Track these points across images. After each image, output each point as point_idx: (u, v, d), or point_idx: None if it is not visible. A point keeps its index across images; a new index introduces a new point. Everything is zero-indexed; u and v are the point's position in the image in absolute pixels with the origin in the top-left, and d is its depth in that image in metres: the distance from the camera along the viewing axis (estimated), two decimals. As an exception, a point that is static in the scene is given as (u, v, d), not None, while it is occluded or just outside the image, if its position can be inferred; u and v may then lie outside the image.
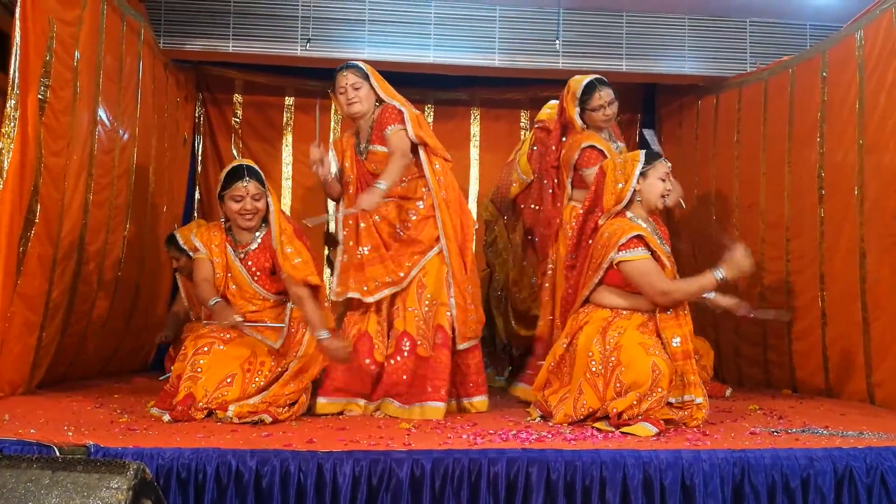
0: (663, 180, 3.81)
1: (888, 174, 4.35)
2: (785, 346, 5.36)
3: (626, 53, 6.13)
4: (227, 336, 3.87)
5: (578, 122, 4.68)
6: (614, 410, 3.44)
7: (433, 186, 4.18)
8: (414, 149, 4.19)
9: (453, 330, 4.14)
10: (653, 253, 3.71)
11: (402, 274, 4.12)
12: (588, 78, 4.72)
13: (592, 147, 4.59)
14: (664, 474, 2.81)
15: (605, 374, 3.57)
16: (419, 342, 4.06)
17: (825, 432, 3.41)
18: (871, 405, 4.46)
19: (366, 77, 4.22)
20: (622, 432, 3.36)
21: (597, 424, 3.49)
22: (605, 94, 4.66)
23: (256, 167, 4.09)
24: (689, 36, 6.16)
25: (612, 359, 3.55)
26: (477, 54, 6.05)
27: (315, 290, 3.93)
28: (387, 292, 4.14)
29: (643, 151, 3.93)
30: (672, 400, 3.59)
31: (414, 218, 4.18)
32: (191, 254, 4.43)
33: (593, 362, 3.62)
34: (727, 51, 6.18)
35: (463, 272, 4.18)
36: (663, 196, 3.81)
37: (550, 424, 3.62)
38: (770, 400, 4.76)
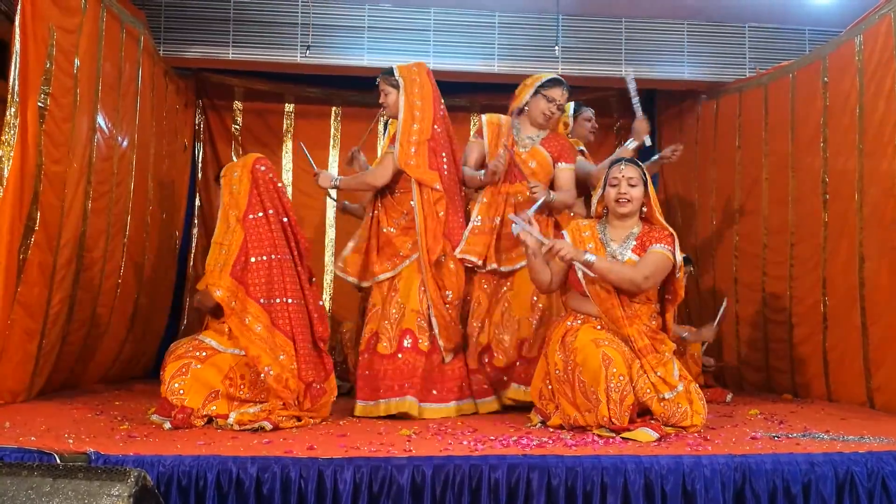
0: (613, 185, 3.81)
1: (887, 180, 4.36)
2: (786, 350, 5.36)
3: (625, 59, 6.13)
4: (203, 354, 3.81)
5: (521, 103, 4.63)
6: (604, 419, 3.45)
7: (417, 212, 4.35)
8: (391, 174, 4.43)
9: (432, 340, 4.34)
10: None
11: (376, 268, 4.42)
12: (556, 74, 4.80)
13: (480, 119, 4.78)
14: (665, 480, 2.80)
15: (570, 379, 3.61)
16: (381, 339, 4.30)
17: (826, 437, 3.41)
18: (871, 409, 4.46)
19: (396, 86, 4.45)
20: (623, 438, 3.36)
21: (597, 430, 3.49)
22: (565, 94, 4.66)
23: (222, 168, 4.19)
24: (689, 41, 6.18)
25: (571, 362, 3.60)
26: (476, 60, 6.06)
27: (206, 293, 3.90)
28: (365, 284, 4.50)
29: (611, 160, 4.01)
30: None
31: (397, 224, 4.43)
32: None
33: (558, 370, 3.68)
34: (726, 56, 6.19)
35: (438, 294, 4.35)
36: (617, 200, 3.80)
37: (551, 430, 3.62)
38: (771, 405, 4.76)
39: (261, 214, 3.95)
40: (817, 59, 5.13)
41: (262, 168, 4.03)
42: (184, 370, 3.75)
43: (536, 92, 4.62)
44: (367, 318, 4.44)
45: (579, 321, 3.76)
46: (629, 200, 3.78)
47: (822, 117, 5.01)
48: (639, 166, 3.85)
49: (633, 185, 3.78)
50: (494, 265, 4.53)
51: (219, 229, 4.00)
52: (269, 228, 3.94)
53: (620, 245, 3.80)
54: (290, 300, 3.89)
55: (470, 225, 4.56)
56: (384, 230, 4.41)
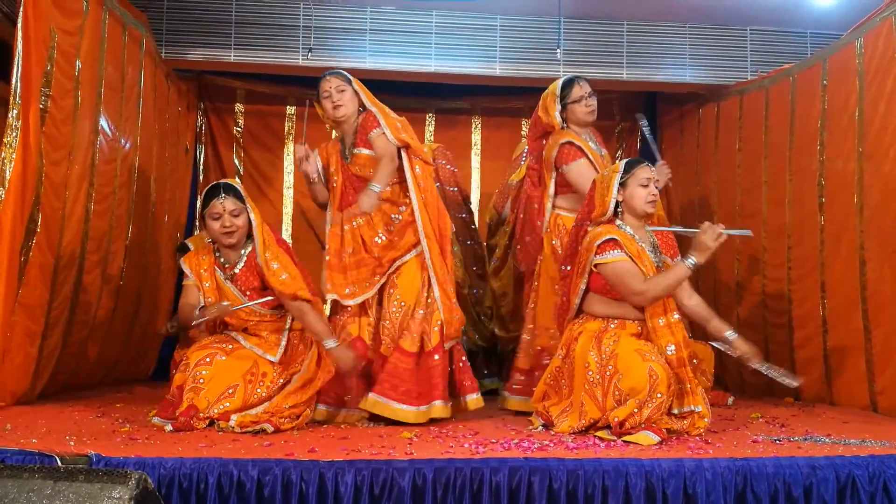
0: (644, 186, 3.81)
1: (888, 182, 4.36)
2: (787, 354, 5.35)
3: (626, 62, 6.14)
4: (229, 347, 3.87)
5: (558, 119, 4.69)
6: (616, 419, 3.44)
7: (413, 189, 4.24)
8: (397, 153, 4.27)
9: (441, 333, 4.17)
10: (632, 258, 3.72)
11: (377, 277, 4.23)
12: (563, 77, 4.80)
13: (569, 143, 4.61)
14: (666, 483, 2.80)
15: (602, 383, 3.57)
16: (384, 341, 4.16)
17: (828, 440, 3.41)
18: (873, 413, 4.45)
19: (349, 82, 4.33)
20: (624, 441, 3.35)
21: (599, 433, 3.49)
22: (584, 86, 4.71)
23: (236, 184, 4.07)
24: (690, 44, 6.18)
25: (610, 367, 3.55)
26: (478, 63, 6.06)
27: (310, 302, 3.93)
28: (364, 297, 4.22)
29: (624, 161, 3.96)
30: (675, 411, 3.60)
31: (397, 223, 4.28)
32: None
33: (590, 372, 3.63)
34: (728, 59, 6.19)
35: (445, 272, 4.24)
36: (650, 202, 3.82)
37: (553, 433, 3.62)
38: (772, 408, 4.75)
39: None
40: (817, 62, 5.13)
41: None
42: (208, 360, 3.78)
43: (563, 106, 4.69)
44: (349, 313, 4.25)
45: (614, 325, 3.75)
46: (656, 202, 3.86)
47: (821, 120, 5.01)
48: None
49: (657, 188, 3.86)
50: None
51: (268, 247, 3.97)
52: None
53: (650, 248, 3.81)
54: None
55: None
56: (379, 238, 4.23)
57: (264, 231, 4.00)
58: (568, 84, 4.72)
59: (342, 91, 4.28)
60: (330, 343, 3.87)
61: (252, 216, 3.99)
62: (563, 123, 4.71)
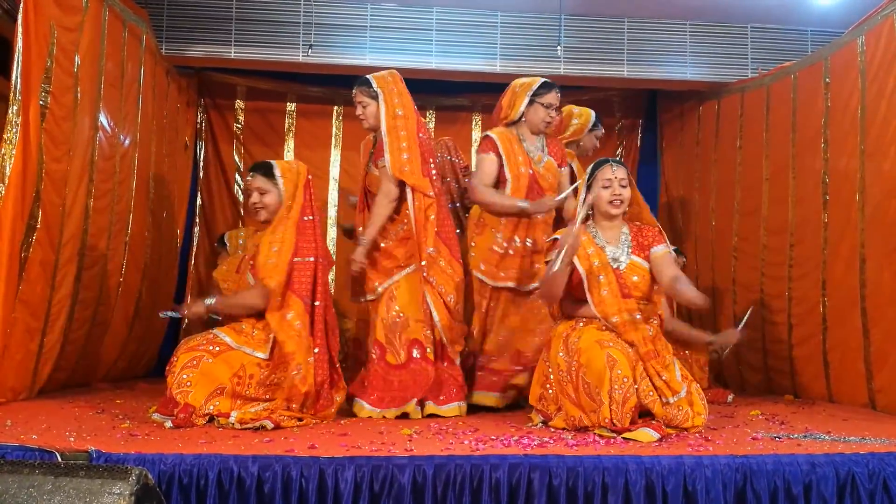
0: (605, 187, 3.83)
1: (889, 181, 4.36)
2: (786, 351, 5.36)
3: (627, 59, 6.14)
4: (216, 349, 3.82)
5: (519, 112, 4.60)
6: (606, 420, 3.45)
7: (412, 218, 4.28)
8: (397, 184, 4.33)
9: (438, 344, 4.31)
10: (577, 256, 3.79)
11: (376, 283, 4.36)
12: (545, 80, 4.72)
13: (487, 136, 4.65)
14: (666, 480, 2.80)
15: (572, 379, 3.63)
16: (388, 350, 4.26)
17: (827, 438, 3.41)
18: (872, 410, 4.45)
19: (375, 97, 4.35)
20: (624, 438, 3.35)
21: (598, 431, 3.49)
22: (557, 98, 4.64)
23: (273, 162, 4.10)
24: (691, 42, 6.18)
25: (575, 363, 3.61)
26: (479, 60, 6.07)
27: (268, 291, 3.86)
28: (365, 299, 4.45)
29: (591, 164, 3.97)
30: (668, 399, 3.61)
31: (395, 236, 4.37)
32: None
33: (561, 371, 3.70)
34: (729, 56, 6.20)
35: (438, 295, 4.30)
36: (611, 202, 3.83)
37: (552, 430, 3.63)
38: (772, 405, 4.75)
39: (310, 218, 4.04)
40: (819, 59, 5.13)
41: (310, 177, 4.14)
42: (194, 362, 3.76)
43: (531, 101, 4.61)
44: (370, 328, 4.41)
45: (581, 323, 3.77)
46: (622, 202, 3.84)
47: (824, 118, 5.01)
48: (626, 167, 3.93)
49: (623, 187, 3.85)
50: (512, 283, 4.58)
51: (270, 229, 3.97)
52: (315, 232, 4.04)
53: (616, 247, 3.82)
54: (318, 303, 3.95)
55: (499, 246, 4.57)
56: (381, 245, 4.36)
57: (285, 217, 3.97)
58: (547, 86, 4.63)
59: (365, 107, 4.38)
60: (204, 304, 4.00)
61: (283, 196, 4.00)
62: (521, 118, 4.64)
